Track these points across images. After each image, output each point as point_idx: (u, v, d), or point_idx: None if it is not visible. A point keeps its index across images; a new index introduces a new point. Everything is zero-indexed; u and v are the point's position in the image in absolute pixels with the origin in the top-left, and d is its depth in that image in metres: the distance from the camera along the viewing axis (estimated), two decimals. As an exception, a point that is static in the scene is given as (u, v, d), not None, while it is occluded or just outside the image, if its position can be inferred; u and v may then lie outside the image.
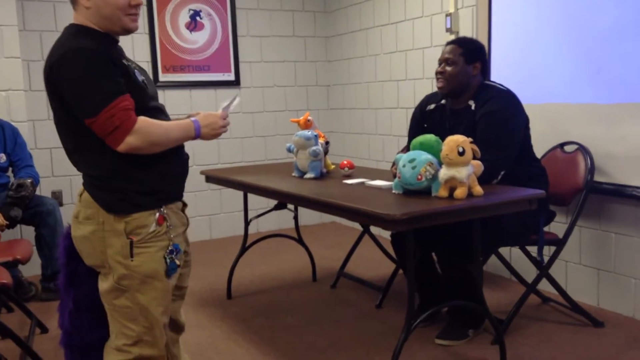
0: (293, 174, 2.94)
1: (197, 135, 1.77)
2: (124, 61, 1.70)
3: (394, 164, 2.43)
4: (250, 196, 3.42)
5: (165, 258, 1.74)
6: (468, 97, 2.64)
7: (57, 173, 4.18)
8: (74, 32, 1.68)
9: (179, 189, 1.85)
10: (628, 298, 2.92)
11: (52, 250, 3.35)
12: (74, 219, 1.77)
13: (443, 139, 2.22)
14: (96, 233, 1.69)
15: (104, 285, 1.74)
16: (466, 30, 3.67)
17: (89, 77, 1.58)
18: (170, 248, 1.75)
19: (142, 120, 1.64)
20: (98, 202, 1.69)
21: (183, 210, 1.89)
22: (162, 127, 1.70)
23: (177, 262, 1.78)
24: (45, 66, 1.67)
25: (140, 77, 1.73)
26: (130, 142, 1.61)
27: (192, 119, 1.77)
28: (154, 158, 1.70)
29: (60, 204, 3.97)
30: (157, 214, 1.72)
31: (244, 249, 3.48)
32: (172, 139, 1.72)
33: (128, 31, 1.74)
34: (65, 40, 1.66)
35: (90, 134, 1.64)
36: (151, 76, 4.45)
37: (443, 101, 2.76)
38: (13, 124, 3.63)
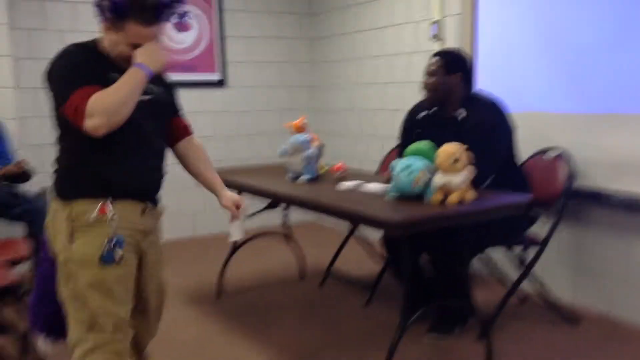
0: (287, 176, 3.03)
1: (145, 69, 1.74)
2: (111, 74, 1.74)
3: (389, 167, 2.53)
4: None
5: (103, 246, 1.75)
6: (455, 106, 2.77)
7: (45, 169, 4.17)
8: (83, 42, 1.82)
9: (136, 189, 1.85)
10: (604, 296, 3.10)
11: (44, 248, 3.38)
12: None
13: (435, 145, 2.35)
14: (51, 220, 1.84)
15: (58, 274, 1.83)
16: (451, 38, 3.81)
17: (65, 71, 1.72)
18: (111, 237, 1.76)
19: (93, 99, 1.66)
20: (54, 190, 1.83)
21: (144, 213, 1.87)
22: (110, 91, 1.70)
23: (115, 254, 1.77)
24: None
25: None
26: (90, 124, 1.66)
27: (134, 63, 1.74)
28: (113, 158, 1.78)
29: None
30: (100, 204, 1.77)
31: (235, 247, 3.56)
32: (126, 93, 1.71)
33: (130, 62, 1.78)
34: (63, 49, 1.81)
35: (60, 127, 1.79)
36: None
37: (433, 110, 2.88)
38: (1, 120, 3.63)
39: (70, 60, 1.76)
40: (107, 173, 1.79)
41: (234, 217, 2.07)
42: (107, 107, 1.67)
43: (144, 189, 1.89)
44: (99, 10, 1.73)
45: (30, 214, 3.41)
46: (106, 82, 1.72)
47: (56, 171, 1.85)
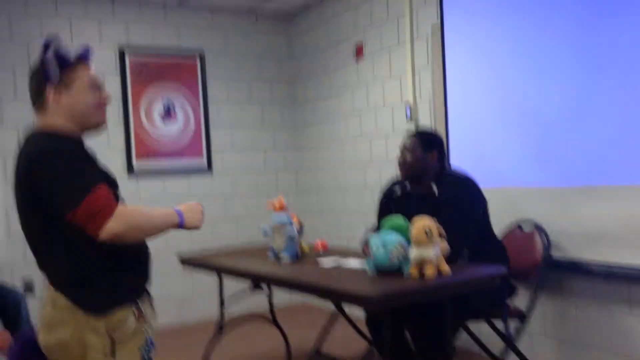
0: (268, 256, 3.06)
1: (181, 221, 1.79)
2: (98, 164, 1.79)
3: (366, 243, 2.59)
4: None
5: (143, 355, 1.76)
6: (429, 182, 2.86)
7: (29, 259, 4.17)
8: (42, 137, 1.73)
9: (147, 283, 1.88)
10: (590, 368, 3.07)
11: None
12: (45, 327, 1.72)
13: (410, 221, 2.41)
14: (74, 335, 1.67)
15: None
16: (425, 118, 3.98)
17: (67, 173, 1.63)
18: (147, 343, 1.77)
19: (122, 206, 1.67)
20: (76, 302, 1.67)
21: (151, 304, 1.90)
22: (144, 213, 1.72)
23: (152, 355, 1.81)
24: (18, 172, 1.69)
25: (105, 170, 1.82)
26: (111, 227, 1.61)
27: (175, 208, 1.81)
28: (123, 253, 1.73)
29: (31, 290, 3.97)
30: (135, 309, 1.75)
31: (219, 332, 3.51)
32: (156, 225, 1.74)
33: (98, 126, 1.81)
34: (36, 144, 1.70)
35: (64, 233, 1.66)
36: (125, 164, 4.60)
37: (408, 187, 2.97)
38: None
39: (67, 157, 1.66)
40: (127, 274, 1.75)
41: None
42: (134, 224, 1.66)
43: (148, 268, 1.87)
44: (48, 71, 1.70)
45: (6, 307, 3.38)
46: (102, 176, 1.72)
47: (68, 283, 1.70)
